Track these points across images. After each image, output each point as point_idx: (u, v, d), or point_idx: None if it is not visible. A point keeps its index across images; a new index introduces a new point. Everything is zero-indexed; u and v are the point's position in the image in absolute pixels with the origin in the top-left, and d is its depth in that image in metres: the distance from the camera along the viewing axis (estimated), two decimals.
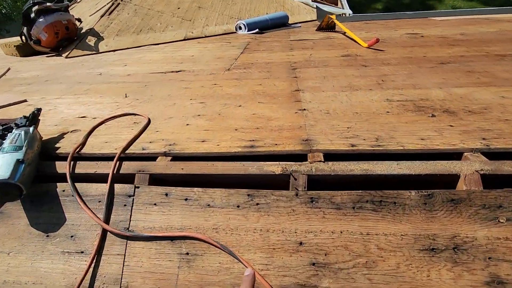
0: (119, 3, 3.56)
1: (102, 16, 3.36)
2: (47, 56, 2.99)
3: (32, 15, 2.86)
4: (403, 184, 0.76)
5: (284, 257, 0.69)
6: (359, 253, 0.68)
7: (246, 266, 0.67)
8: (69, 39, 3.04)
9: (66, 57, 2.78)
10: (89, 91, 1.60)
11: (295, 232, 0.71)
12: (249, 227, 0.73)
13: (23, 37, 3.05)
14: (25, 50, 3.15)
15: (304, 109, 1.15)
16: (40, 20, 2.85)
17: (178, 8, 3.80)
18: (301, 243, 0.70)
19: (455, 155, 0.81)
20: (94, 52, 2.90)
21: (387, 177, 0.77)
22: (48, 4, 2.87)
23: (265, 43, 2.95)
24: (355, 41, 2.59)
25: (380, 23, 4.04)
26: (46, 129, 1.11)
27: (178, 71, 1.90)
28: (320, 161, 0.81)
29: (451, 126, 0.94)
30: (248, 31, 3.57)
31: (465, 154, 0.80)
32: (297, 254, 0.69)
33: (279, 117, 1.09)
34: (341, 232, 0.70)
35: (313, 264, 0.67)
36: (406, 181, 0.77)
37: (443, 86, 1.33)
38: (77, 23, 3.15)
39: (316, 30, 3.46)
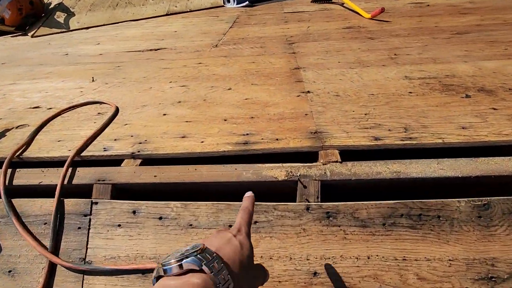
0: None
1: None
2: (11, 36, 2.66)
3: None
4: (447, 190, 0.58)
5: None
6: (393, 284, 0.51)
7: None
8: (35, 15, 2.69)
9: (32, 36, 2.46)
10: (51, 74, 1.35)
11: (307, 259, 0.54)
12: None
13: None
14: None
15: (308, 91, 0.94)
16: None
17: None
18: (315, 273, 0.53)
19: (510, 149, 0.62)
20: (64, 30, 2.58)
21: (425, 181, 0.58)
22: None
23: (256, 16, 2.67)
24: (356, 12, 2.34)
25: None
26: None
27: (158, 49, 1.65)
28: (336, 161, 0.62)
29: (494, 109, 0.75)
30: (237, 4, 3.25)
31: None
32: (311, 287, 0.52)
33: (278, 102, 0.88)
34: (369, 258, 0.53)
35: None
36: (450, 185, 0.59)
37: (468, 59, 1.13)
38: None
39: (311, 1, 3.17)
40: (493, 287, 0.50)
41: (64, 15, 2.71)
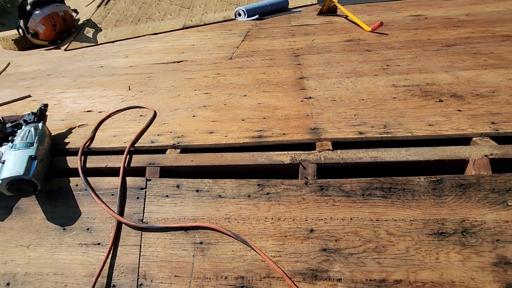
0: None
1: (98, 6, 3.29)
2: (46, 49, 2.96)
3: (28, 7, 2.81)
4: (412, 170, 0.77)
5: (296, 244, 0.71)
6: (369, 238, 0.70)
7: (259, 254, 0.69)
8: (67, 31, 3.00)
9: (65, 50, 2.75)
10: (93, 84, 1.60)
11: (306, 220, 0.73)
12: (260, 216, 0.75)
13: (20, 31, 3.01)
14: (23, 44, 3.12)
15: (310, 97, 1.14)
16: (37, 12, 2.81)
17: None
18: (312, 230, 0.72)
19: (464, 140, 0.81)
20: (93, 44, 2.87)
21: (396, 164, 0.77)
22: None
23: (265, 29, 2.90)
24: (357, 25, 2.54)
25: (382, 5, 3.94)
26: (53, 124, 1.11)
27: (180, 61, 1.89)
28: (329, 149, 0.81)
29: (459, 110, 0.94)
30: (247, 17, 3.50)
31: (474, 139, 0.80)
32: (308, 240, 0.71)
33: (285, 106, 1.09)
34: (351, 219, 0.72)
35: (324, 250, 0.69)
36: (415, 167, 0.77)
37: (449, 69, 1.31)
38: (74, 14, 3.10)
39: (317, 14, 3.38)
40: (442, 239, 0.68)
41: (92, 30, 3.01)
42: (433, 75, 1.26)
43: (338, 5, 3.12)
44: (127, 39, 2.99)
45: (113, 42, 2.90)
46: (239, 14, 3.58)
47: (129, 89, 1.44)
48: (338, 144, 0.84)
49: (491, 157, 0.73)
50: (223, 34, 2.84)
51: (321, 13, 3.34)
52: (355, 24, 2.59)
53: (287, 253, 0.70)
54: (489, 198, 0.69)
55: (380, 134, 0.85)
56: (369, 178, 0.74)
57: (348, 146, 0.83)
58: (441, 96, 1.05)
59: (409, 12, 3.07)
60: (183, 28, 3.34)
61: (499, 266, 0.64)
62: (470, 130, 0.82)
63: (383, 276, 0.66)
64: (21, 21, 2.92)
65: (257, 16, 3.50)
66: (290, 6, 4.27)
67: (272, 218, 0.74)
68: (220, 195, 0.78)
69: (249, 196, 0.77)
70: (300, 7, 4.42)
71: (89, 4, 3.69)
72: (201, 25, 3.47)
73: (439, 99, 1.03)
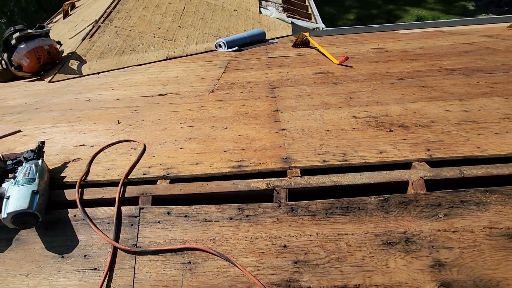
0: (99, 26, 3.64)
1: (83, 39, 3.43)
2: (28, 81, 3.01)
3: (13, 41, 2.90)
4: (366, 191, 0.93)
5: (272, 259, 0.83)
6: (332, 250, 0.84)
7: (240, 269, 0.81)
8: (51, 63, 3.08)
9: (50, 82, 2.82)
10: (82, 118, 1.69)
11: (280, 237, 0.86)
12: (241, 236, 0.87)
13: (3, 63, 3.06)
14: (5, 76, 3.15)
15: (283, 129, 1.31)
16: (22, 46, 2.89)
17: (159, 29, 3.93)
18: (285, 246, 0.85)
19: (406, 165, 0.99)
20: (77, 75, 2.96)
21: (352, 186, 0.93)
22: (29, 31, 2.93)
23: (244, 61, 3.13)
24: (327, 57, 2.82)
25: (350, 37, 4.36)
26: (49, 159, 1.20)
27: (165, 94, 2.03)
28: (298, 176, 0.97)
29: (404, 139, 1.13)
30: (228, 48, 3.75)
31: (413, 163, 0.98)
32: (282, 255, 0.83)
33: (261, 138, 1.24)
34: (317, 235, 0.86)
35: (296, 262, 0.82)
36: (367, 188, 0.94)
37: (401, 101, 1.54)
38: (58, 46, 3.20)
39: (292, 46, 3.69)
40: (390, 248, 0.83)
41: (77, 62, 3.12)
42: (387, 107, 1.48)
43: (310, 39, 3.43)
44: (112, 70, 3.11)
45: (97, 73, 3.01)
46: (220, 46, 3.82)
47: (118, 122, 1.55)
48: (306, 171, 1.00)
49: (425, 178, 0.91)
50: (205, 65, 3.03)
51: (295, 45, 3.64)
52: (325, 57, 2.87)
53: (265, 267, 0.82)
54: (425, 212, 0.86)
55: (340, 161, 1.02)
56: (331, 199, 0.90)
57: (314, 173, 0.99)
58: (392, 126, 1.26)
59: (373, 44, 3.43)
60: (166, 59, 3.52)
61: (435, 267, 0.80)
62: (411, 156, 1.01)
63: (344, 282, 0.79)
64: (5, 54, 2.98)
65: (236, 47, 3.76)
66: (267, 38, 4.61)
67: (251, 237, 0.87)
68: (206, 219, 0.90)
69: (231, 219, 0.89)
70: (277, 38, 4.77)
71: (73, 36, 3.81)
72: (184, 56, 3.67)
73: (389, 129, 1.23)
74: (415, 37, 3.82)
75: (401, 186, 0.93)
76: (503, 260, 0.78)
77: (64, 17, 5.26)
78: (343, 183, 0.93)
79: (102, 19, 3.66)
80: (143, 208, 0.93)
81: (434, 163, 0.97)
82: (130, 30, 3.71)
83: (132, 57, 3.38)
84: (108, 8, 3.83)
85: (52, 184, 1.03)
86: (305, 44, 3.59)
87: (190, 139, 1.29)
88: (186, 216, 0.91)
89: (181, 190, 0.96)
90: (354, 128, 1.26)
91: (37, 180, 0.92)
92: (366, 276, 0.80)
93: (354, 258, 0.82)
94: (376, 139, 1.15)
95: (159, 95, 2.03)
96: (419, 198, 0.88)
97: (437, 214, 0.85)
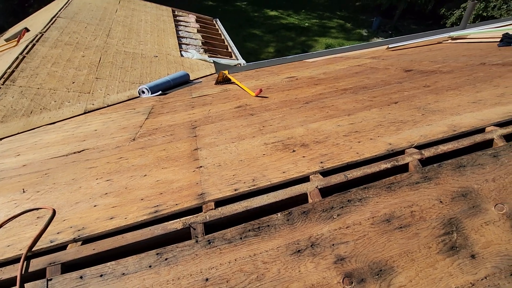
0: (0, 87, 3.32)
1: None
2: None
3: None
4: (274, 209, 1.04)
5: None
6: (250, 271, 0.90)
7: None
8: None
9: None
10: None
11: (201, 272, 0.89)
12: (162, 281, 0.87)
13: None
14: None
15: (201, 166, 1.38)
16: None
17: (73, 83, 3.77)
18: (207, 279, 0.88)
19: (305, 179, 1.14)
20: None
21: (262, 208, 1.04)
22: None
23: (168, 104, 3.19)
24: (246, 91, 3.06)
25: (268, 69, 4.83)
26: None
27: (81, 151, 1.94)
28: (212, 209, 1.03)
29: (304, 157, 1.31)
30: (152, 94, 3.77)
31: (310, 176, 1.14)
32: None
33: (179, 179, 1.29)
34: (235, 260, 0.92)
35: None
36: (275, 207, 1.05)
37: (304, 123, 1.77)
38: None
39: (215, 84, 3.91)
40: (300, 255, 0.93)
41: None
42: (293, 130, 1.69)
43: (229, 76, 3.70)
44: (18, 133, 2.83)
45: (0, 139, 2.70)
46: (143, 92, 3.82)
47: (23, 191, 1.42)
48: (220, 203, 1.07)
49: (319, 187, 1.07)
50: (127, 114, 2.99)
51: (217, 82, 3.87)
52: (244, 90, 3.12)
53: None
54: (322, 216, 1.00)
55: (249, 187, 1.12)
56: (243, 224, 0.98)
57: (228, 202, 1.07)
58: (295, 147, 1.44)
59: (286, 74, 3.85)
60: (84, 113, 3.36)
61: (337, 263, 0.92)
62: (308, 170, 1.17)
63: None
64: None
65: (160, 92, 3.81)
66: (191, 78, 4.78)
67: (172, 279, 0.88)
68: (123, 273, 0.88)
69: (150, 266, 0.90)
70: (201, 77, 4.99)
71: None
72: (105, 107, 3.55)
73: (293, 149, 1.40)
74: (320, 63, 4.43)
75: (302, 198, 1.07)
76: (386, 242, 0.95)
77: None
78: (253, 206, 1.03)
79: (3, 80, 3.36)
80: (51, 279, 0.87)
81: (326, 173, 1.15)
82: (38, 88, 3.47)
83: (43, 116, 3.14)
84: (9, 68, 3.55)
85: None
86: (227, 80, 3.84)
87: (106, 194, 1.26)
88: (101, 275, 0.88)
89: (94, 249, 0.93)
90: (264, 154, 1.41)
91: None
92: (284, 287, 0.87)
93: (271, 273, 0.90)
94: (281, 161, 1.30)
95: (74, 153, 1.92)
96: (316, 206, 1.02)
97: (332, 216, 1.00)
